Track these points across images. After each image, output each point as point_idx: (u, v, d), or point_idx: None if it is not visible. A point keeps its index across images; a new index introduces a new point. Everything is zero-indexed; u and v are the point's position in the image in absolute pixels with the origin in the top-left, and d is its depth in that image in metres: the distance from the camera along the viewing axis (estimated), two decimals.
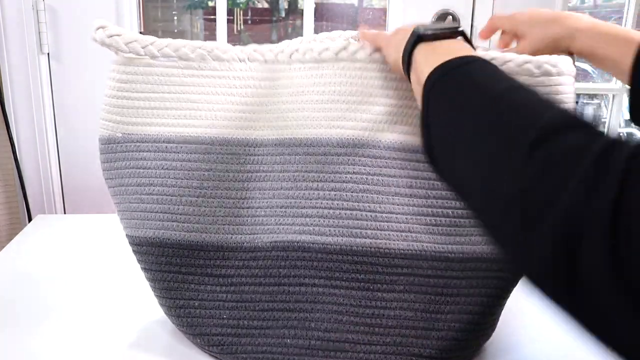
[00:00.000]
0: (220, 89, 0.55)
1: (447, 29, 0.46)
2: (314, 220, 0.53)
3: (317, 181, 0.53)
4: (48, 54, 1.12)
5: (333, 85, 0.53)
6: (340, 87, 0.53)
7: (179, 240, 0.56)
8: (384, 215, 0.52)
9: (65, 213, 1.19)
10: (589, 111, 2.63)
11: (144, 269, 0.59)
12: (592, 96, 2.64)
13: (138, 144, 0.55)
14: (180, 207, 0.55)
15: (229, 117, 0.55)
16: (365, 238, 0.52)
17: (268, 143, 0.55)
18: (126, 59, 0.55)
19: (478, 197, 0.36)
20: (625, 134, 2.34)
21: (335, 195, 0.52)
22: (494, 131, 0.34)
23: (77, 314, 0.68)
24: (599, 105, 2.65)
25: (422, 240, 0.53)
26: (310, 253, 0.54)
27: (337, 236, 0.53)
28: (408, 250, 0.53)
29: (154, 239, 0.56)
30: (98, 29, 0.54)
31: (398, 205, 0.52)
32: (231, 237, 0.55)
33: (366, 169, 0.52)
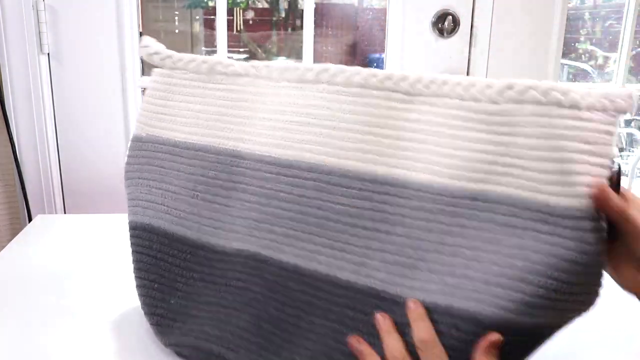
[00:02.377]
0: (219, 101, 0.61)
1: None
2: (279, 238, 0.55)
3: (287, 202, 0.54)
4: (48, 54, 1.12)
5: (310, 108, 0.55)
6: (316, 110, 0.54)
7: (165, 230, 0.61)
8: (339, 244, 0.52)
9: (65, 213, 1.20)
10: None
11: (132, 251, 0.64)
12: None
13: (157, 144, 0.63)
14: (176, 203, 0.61)
15: (222, 128, 0.60)
16: (319, 264, 0.53)
17: (250, 157, 0.57)
18: (157, 69, 0.64)
19: None
20: (626, 134, 2.34)
21: (300, 218, 0.54)
22: None
23: (77, 314, 0.68)
24: None
25: (374, 277, 0.50)
26: (266, 266, 0.56)
27: (294, 256, 0.54)
28: (356, 284, 0.51)
29: (147, 225, 0.62)
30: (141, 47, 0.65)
31: (357, 237, 0.51)
32: (207, 238, 0.59)
33: (329, 197, 0.53)
